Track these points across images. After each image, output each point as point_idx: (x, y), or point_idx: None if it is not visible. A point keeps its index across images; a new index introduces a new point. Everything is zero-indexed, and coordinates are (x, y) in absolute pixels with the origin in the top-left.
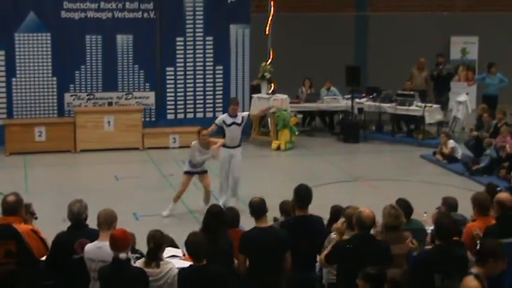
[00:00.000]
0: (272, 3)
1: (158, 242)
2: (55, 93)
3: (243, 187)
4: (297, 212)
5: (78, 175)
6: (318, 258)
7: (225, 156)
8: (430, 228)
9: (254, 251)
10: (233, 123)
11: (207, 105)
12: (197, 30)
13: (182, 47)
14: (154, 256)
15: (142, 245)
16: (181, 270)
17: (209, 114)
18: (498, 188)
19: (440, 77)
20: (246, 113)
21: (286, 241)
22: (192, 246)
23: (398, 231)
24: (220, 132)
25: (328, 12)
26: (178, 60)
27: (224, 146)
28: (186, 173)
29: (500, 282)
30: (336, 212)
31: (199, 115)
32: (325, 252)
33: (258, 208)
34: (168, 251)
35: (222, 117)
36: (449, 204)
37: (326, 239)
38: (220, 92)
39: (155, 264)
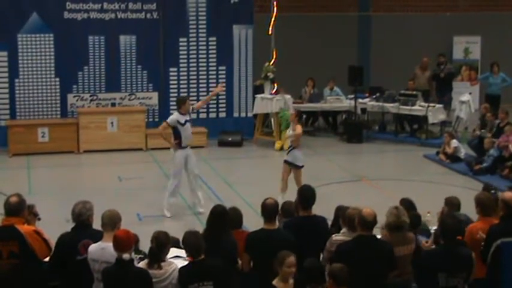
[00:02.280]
0: (275, 3)
1: (161, 243)
2: (58, 94)
3: (247, 187)
4: (301, 212)
5: (82, 176)
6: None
7: (181, 157)
8: (433, 228)
9: (259, 251)
10: (186, 121)
11: (210, 106)
12: (200, 30)
13: (185, 48)
14: (156, 257)
15: (145, 246)
16: (182, 268)
17: (212, 115)
18: (492, 191)
19: (442, 77)
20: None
21: (293, 244)
22: (191, 245)
23: (402, 231)
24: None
25: (331, 12)
26: (181, 60)
27: (181, 147)
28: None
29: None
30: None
31: (203, 116)
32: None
33: (270, 210)
34: (172, 252)
35: (173, 117)
36: (452, 204)
37: (328, 240)
38: (224, 93)
39: (157, 266)
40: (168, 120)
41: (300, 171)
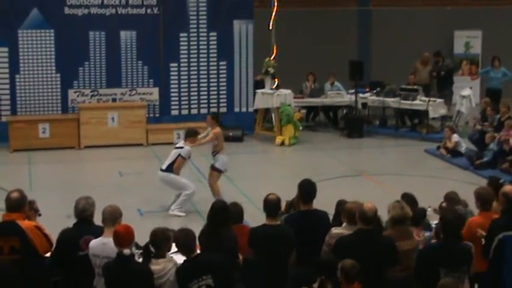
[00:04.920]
0: None
1: (157, 240)
2: (59, 90)
3: (247, 182)
4: (302, 206)
5: (82, 171)
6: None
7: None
8: (434, 222)
9: (262, 247)
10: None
11: (211, 101)
12: (201, 25)
13: (186, 43)
14: (148, 254)
15: (146, 241)
16: (178, 268)
17: (213, 110)
18: (501, 181)
19: (442, 75)
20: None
21: (293, 239)
22: (181, 243)
23: (405, 225)
24: None
25: (331, 7)
26: (182, 56)
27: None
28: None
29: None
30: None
31: (203, 111)
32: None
33: (272, 206)
34: (173, 247)
35: (189, 150)
36: (451, 199)
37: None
38: (224, 88)
39: (152, 262)
40: (184, 154)
41: (216, 174)
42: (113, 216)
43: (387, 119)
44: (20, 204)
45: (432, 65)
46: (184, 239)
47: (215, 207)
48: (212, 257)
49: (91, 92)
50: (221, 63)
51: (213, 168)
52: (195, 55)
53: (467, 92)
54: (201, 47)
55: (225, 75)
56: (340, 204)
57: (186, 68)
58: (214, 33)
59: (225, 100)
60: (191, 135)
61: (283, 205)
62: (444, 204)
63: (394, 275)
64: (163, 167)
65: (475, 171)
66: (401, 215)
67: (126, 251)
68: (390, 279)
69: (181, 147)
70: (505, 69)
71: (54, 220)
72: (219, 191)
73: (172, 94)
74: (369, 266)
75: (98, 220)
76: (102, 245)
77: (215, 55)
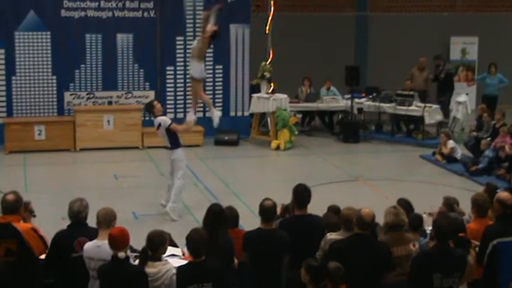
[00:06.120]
0: (272, 2)
1: (154, 244)
2: (55, 92)
3: (243, 187)
4: (296, 211)
5: (78, 174)
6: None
7: (184, 155)
8: (429, 228)
9: (255, 251)
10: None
11: (207, 105)
12: (197, 29)
13: (182, 46)
14: (145, 257)
15: (141, 244)
16: (180, 267)
17: (209, 114)
18: (498, 190)
19: (440, 78)
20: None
21: (287, 243)
22: (193, 243)
23: (399, 231)
24: None
25: (328, 12)
26: (178, 59)
27: (180, 145)
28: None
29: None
30: (332, 212)
31: (199, 114)
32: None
33: (268, 212)
34: (168, 250)
35: (163, 118)
36: (450, 205)
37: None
38: (220, 92)
39: (149, 265)
40: (165, 123)
41: (198, 84)
42: (107, 219)
43: (383, 125)
44: (16, 206)
45: (432, 69)
46: (197, 240)
47: (211, 211)
48: (215, 265)
49: (87, 94)
50: (217, 67)
51: (193, 80)
52: None
53: (463, 98)
54: None
55: (221, 79)
56: (332, 209)
57: (182, 72)
58: None
59: (220, 104)
60: (150, 107)
61: (278, 209)
62: (443, 209)
63: (388, 280)
64: (169, 145)
65: (470, 177)
66: (396, 221)
67: (121, 254)
68: (385, 284)
69: (159, 124)
70: (501, 75)
71: (49, 222)
72: (207, 99)
73: (168, 97)
74: (363, 270)
75: (92, 223)
76: (96, 248)
77: (211, 59)
